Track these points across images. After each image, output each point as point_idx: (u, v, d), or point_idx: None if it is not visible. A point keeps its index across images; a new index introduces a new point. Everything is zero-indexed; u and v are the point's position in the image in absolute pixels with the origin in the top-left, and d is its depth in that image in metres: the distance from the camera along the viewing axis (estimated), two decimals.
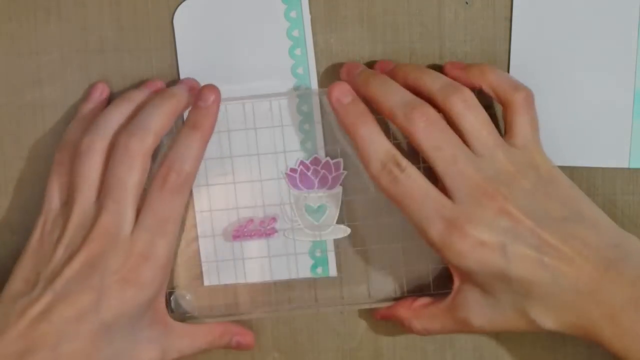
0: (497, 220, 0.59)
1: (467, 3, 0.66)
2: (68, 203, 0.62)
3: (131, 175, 0.61)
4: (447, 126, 0.61)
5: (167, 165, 0.62)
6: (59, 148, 0.64)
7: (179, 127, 0.64)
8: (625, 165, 0.66)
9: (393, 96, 0.62)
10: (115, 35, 0.67)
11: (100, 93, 0.66)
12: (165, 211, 0.61)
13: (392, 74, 0.64)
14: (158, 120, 0.62)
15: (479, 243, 0.59)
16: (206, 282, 0.68)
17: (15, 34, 0.67)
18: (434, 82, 0.62)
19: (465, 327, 0.63)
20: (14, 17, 0.67)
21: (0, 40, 0.67)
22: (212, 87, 0.64)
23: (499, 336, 0.69)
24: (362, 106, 0.63)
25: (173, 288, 0.68)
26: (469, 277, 0.61)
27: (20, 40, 0.67)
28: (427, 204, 0.60)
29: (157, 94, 0.64)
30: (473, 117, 0.61)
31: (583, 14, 0.65)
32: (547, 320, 0.60)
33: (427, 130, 0.60)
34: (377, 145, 0.61)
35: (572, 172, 0.67)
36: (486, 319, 0.62)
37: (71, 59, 0.67)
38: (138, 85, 0.67)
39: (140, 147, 0.61)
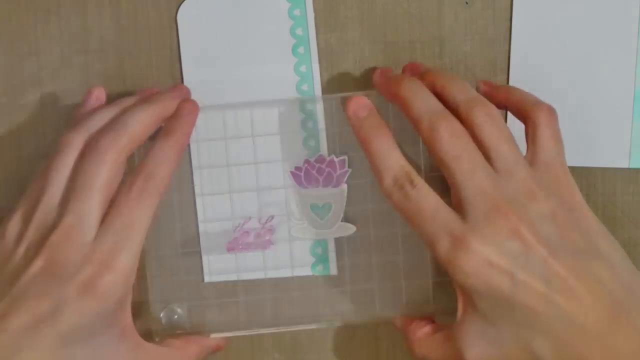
0: (509, 242, 0.57)
1: (467, 3, 0.67)
2: (35, 200, 0.60)
3: (99, 174, 0.58)
4: (471, 141, 0.59)
5: (139, 169, 0.60)
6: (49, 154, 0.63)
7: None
8: (626, 165, 0.67)
9: (422, 103, 0.60)
10: (115, 35, 0.67)
11: (95, 99, 0.64)
12: (133, 215, 0.59)
13: (421, 79, 0.62)
14: (136, 122, 0.60)
15: (487, 263, 0.56)
16: (207, 279, 0.68)
17: (15, 34, 0.67)
18: (460, 93, 0.60)
19: None
20: (14, 17, 0.67)
21: (0, 40, 0.67)
22: (190, 100, 0.64)
23: None
24: (378, 119, 0.62)
25: (168, 302, 0.67)
26: (473, 302, 0.58)
27: (20, 40, 0.67)
28: (437, 219, 0.58)
29: (143, 99, 0.63)
30: (495, 130, 0.59)
31: (583, 14, 0.65)
32: (549, 355, 0.57)
33: (450, 141, 0.58)
34: (391, 160, 0.60)
35: (572, 171, 0.67)
36: (484, 355, 0.59)
37: (71, 59, 0.67)
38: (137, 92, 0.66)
39: (111, 145, 0.59)
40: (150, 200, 0.59)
